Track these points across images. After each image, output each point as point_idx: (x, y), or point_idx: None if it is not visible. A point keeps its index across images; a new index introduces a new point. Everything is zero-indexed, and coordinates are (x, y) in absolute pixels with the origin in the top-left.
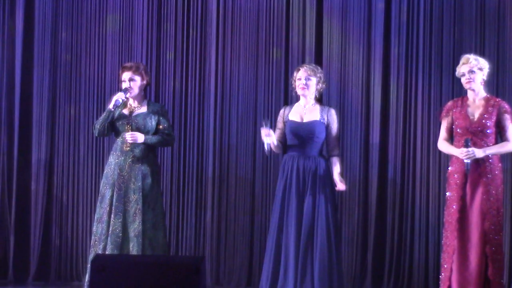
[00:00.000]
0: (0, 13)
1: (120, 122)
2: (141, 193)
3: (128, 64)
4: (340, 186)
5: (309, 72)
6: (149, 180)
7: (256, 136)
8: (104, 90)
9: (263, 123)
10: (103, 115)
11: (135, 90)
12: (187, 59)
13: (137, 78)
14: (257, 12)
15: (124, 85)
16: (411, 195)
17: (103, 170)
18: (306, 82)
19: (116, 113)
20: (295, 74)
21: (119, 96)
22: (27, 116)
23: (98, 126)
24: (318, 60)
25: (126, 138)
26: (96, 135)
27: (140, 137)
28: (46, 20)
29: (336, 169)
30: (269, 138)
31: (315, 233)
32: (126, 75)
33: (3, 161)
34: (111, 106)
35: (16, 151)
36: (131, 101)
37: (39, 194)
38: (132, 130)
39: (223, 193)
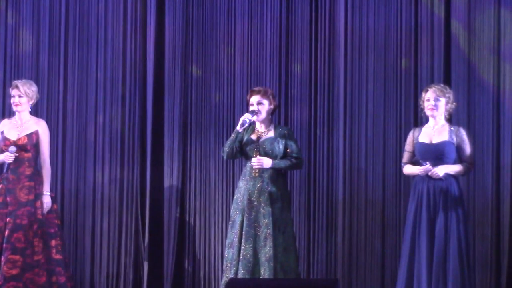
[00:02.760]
0: (131, 45)
1: (249, 148)
2: (271, 218)
3: (256, 88)
4: (438, 170)
5: (437, 93)
6: (279, 204)
7: (386, 158)
8: (234, 115)
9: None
10: (231, 136)
11: (263, 114)
12: (316, 82)
13: (265, 102)
14: (384, 32)
15: (252, 108)
16: None
17: (233, 195)
18: (435, 103)
19: (245, 137)
20: (423, 95)
21: (246, 117)
22: (159, 143)
23: (227, 149)
24: (446, 80)
25: (253, 164)
26: (225, 157)
27: (267, 162)
28: (176, 52)
29: (454, 167)
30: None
31: (447, 257)
32: (254, 99)
33: (136, 187)
34: (238, 127)
35: (149, 177)
36: (258, 125)
37: (172, 220)
38: (260, 155)
39: (354, 216)
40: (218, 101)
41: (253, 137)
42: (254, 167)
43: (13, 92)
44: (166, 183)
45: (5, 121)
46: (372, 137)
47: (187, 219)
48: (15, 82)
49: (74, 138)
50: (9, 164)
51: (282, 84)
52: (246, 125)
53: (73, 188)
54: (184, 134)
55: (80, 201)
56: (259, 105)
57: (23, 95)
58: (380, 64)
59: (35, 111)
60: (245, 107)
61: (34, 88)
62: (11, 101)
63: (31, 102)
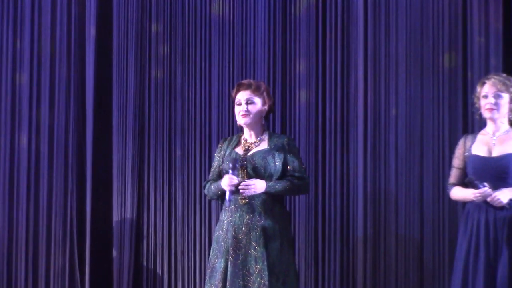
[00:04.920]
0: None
1: (231, 164)
2: (265, 262)
3: (245, 82)
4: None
5: (498, 87)
6: (276, 244)
7: (424, 178)
8: (210, 118)
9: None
10: (214, 189)
11: (253, 118)
12: (324, 72)
13: (257, 101)
14: (420, 8)
15: (239, 109)
16: None
17: (211, 232)
18: (496, 100)
19: (227, 150)
20: (478, 90)
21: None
22: (105, 157)
23: (211, 194)
24: (509, 69)
25: (240, 189)
26: (208, 197)
27: (260, 185)
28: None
29: None
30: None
31: None
32: (242, 95)
33: (71, 221)
34: (226, 185)
35: (89, 207)
36: (246, 133)
37: (124, 267)
38: (248, 176)
39: (380, 258)
40: (188, 99)
41: (239, 150)
42: (241, 192)
43: None
44: (116, 215)
45: None
46: (404, 148)
47: (145, 265)
48: None
49: None
50: None
51: (278, 77)
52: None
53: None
54: (141, 144)
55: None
56: (249, 105)
57: None
58: (414, 48)
59: None
60: (225, 107)
61: None
62: None
63: None
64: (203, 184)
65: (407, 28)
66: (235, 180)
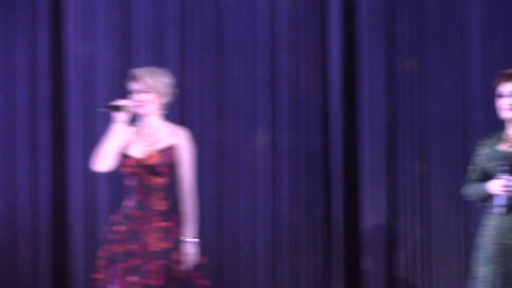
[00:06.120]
0: None
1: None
2: None
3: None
4: None
5: None
6: None
7: None
8: None
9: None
10: (478, 190)
11: None
12: None
13: None
14: None
15: None
16: None
17: (471, 239)
18: None
19: (489, 150)
20: (499, 87)
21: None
22: None
23: (472, 196)
24: None
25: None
26: (467, 198)
27: None
28: None
29: None
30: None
31: None
32: (507, 87)
33: None
34: None
35: None
36: (510, 129)
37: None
38: None
39: None
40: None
41: (504, 147)
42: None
43: None
44: (366, 221)
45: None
46: None
47: (400, 275)
48: None
49: None
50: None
51: None
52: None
53: None
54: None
55: None
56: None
57: None
58: None
59: None
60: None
61: None
62: None
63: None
64: (462, 184)
65: None
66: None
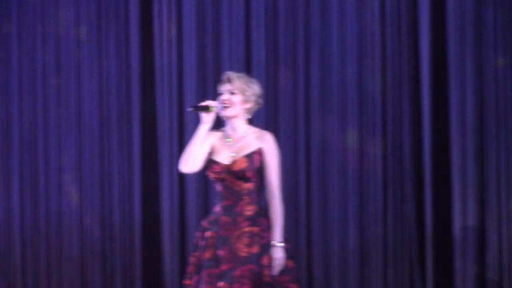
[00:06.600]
0: None
1: None
2: None
3: None
4: None
5: None
6: None
7: None
8: None
9: None
10: None
11: None
12: None
13: None
14: None
15: None
16: None
17: None
18: None
19: None
20: None
21: None
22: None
23: None
24: None
25: None
26: None
27: None
28: None
29: None
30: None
31: None
32: None
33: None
34: None
35: None
36: None
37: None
38: None
39: None
40: None
41: None
42: None
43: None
44: (457, 222)
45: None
46: None
47: (490, 278)
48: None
49: None
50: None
51: None
52: None
53: None
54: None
55: None
56: None
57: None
58: None
59: None
60: None
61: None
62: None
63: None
64: None
65: None
66: None
